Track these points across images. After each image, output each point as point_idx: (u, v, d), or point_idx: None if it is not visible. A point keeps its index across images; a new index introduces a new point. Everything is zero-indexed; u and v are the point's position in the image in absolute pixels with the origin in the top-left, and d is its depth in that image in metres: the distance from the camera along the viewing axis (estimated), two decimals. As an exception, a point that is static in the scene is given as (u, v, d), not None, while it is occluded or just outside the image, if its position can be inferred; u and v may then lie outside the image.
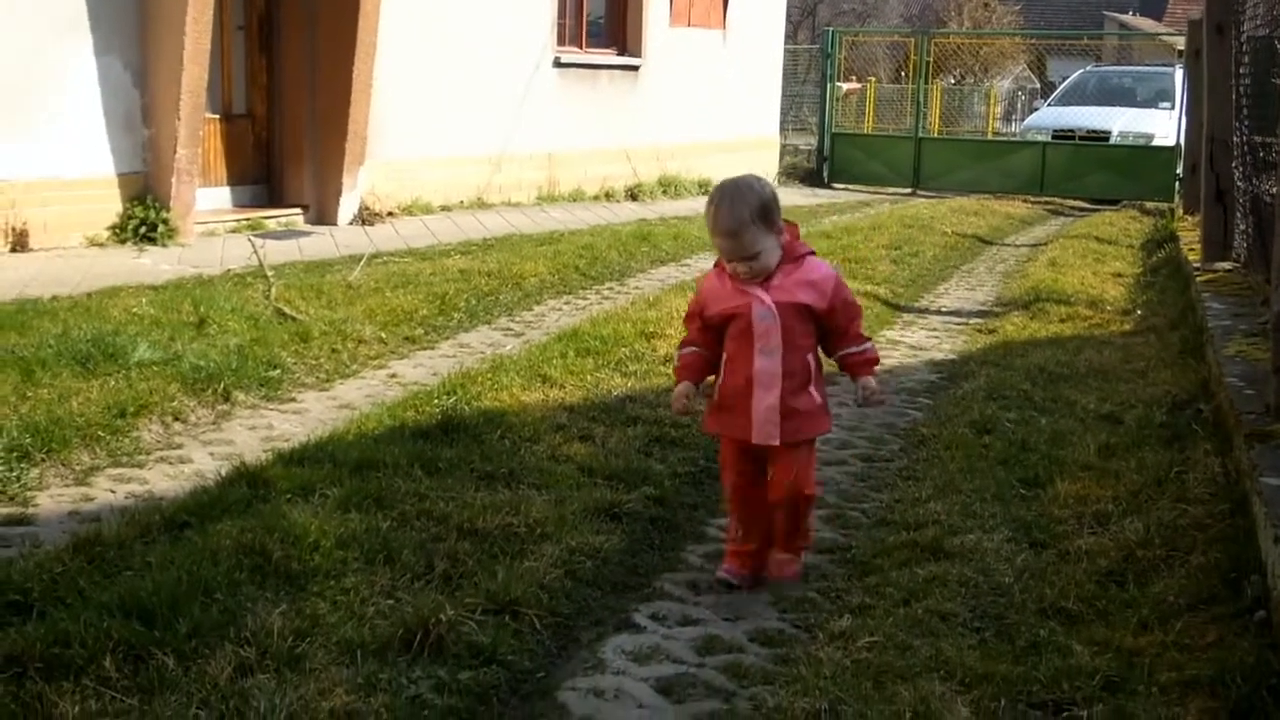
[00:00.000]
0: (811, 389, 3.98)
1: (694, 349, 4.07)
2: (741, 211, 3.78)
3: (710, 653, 3.74)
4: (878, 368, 4.15)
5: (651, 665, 3.63)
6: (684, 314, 4.20)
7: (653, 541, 4.58)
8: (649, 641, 3.77)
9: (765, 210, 3.81)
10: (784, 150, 22.50)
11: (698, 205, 16.27)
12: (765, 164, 20.81)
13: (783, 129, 22.76)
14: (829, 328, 4.00)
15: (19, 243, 9.83)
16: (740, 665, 3.65)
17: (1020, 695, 3.40)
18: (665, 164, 17.83)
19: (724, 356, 4.01)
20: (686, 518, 4.84)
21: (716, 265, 4.02)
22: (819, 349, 4.06)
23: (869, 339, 4.12)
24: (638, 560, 4.40)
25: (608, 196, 16.69)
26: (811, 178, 21.87)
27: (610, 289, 10.01)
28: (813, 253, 3.99)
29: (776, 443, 3.94)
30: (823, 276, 3.96)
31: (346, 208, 12.62)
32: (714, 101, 18.88)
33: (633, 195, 17.03)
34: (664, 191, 17.62)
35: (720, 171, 17.96)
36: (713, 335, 4.02)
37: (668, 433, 5.75)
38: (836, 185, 21.37)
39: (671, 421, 5.89)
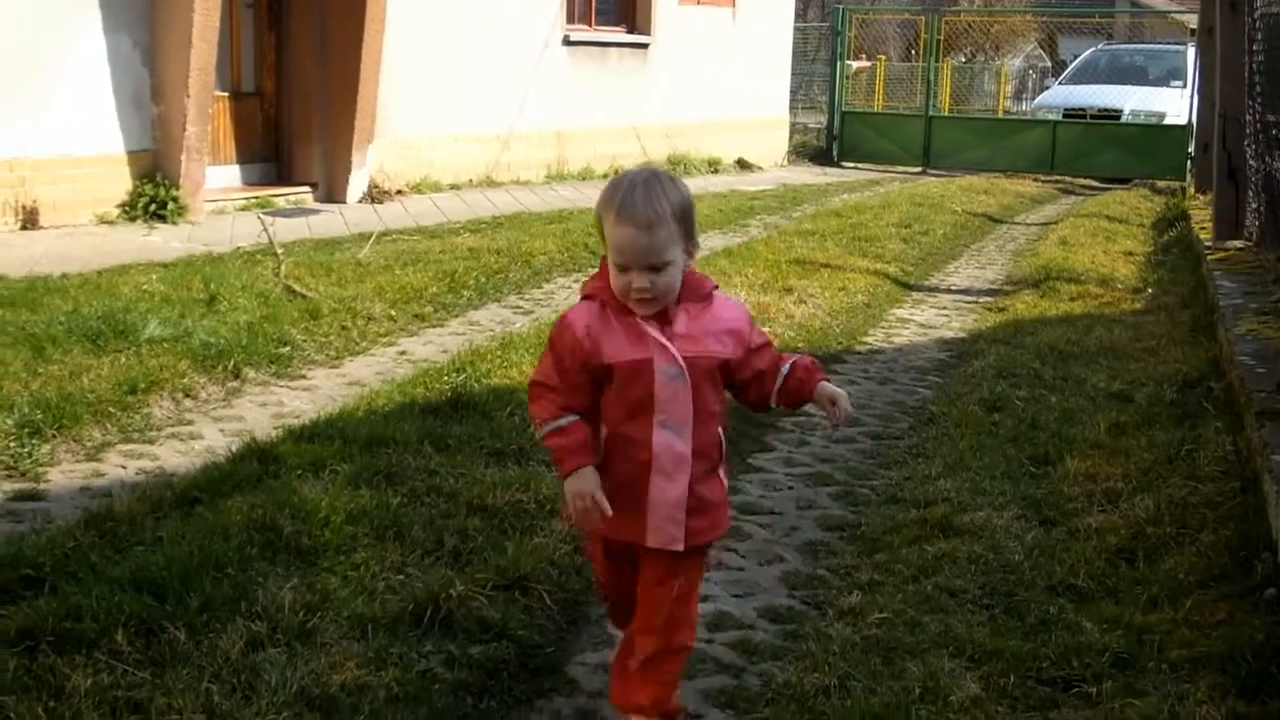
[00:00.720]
0: (721, 473, 3.00)
1: (574, 417, 2.85)
2: (661, 202, 2.76)
3: (720, 629, 3.74)
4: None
5: (661, 641, 3.63)
6: (540, 366, 2.95)
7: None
8: (659, 617, 3.77)
9: (686, 212, 2.81)
10: (793, 129, 22.43)
11: (708, 183, 16.28)
12: (775, 142, 20.77)
13: (792, 107, 22.69)
14: (748, 374, 3.00)
15: (29, 220, 9.83)
16: (750, 641, 3.66)
17: (1030, 671, 3.40)
18: (675, 142, 17.79)
19: (603, 430, 2.91)
20: (696, 495, 4.82)
21: (589, 295, 2.89)
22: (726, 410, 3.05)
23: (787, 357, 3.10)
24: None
25: (617, 174, 16.63)
26: (821, 156, 21.81)
27: (619, 267, 9.98)
28: (717, 287, 2.97)
29: (680, 547, 2.90)
30: (739, 318, 2.97)
31: (356, 186, 12.62)
32: (723, 80, 18.82)
33: (642, 174, 16.98)
34: (674, 170, 17.57)
35: (730, 150, 17.90)
36: (591, 396, 2.89)
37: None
38: (846, 164, 21.30)
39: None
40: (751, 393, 3.04)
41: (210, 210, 11.11)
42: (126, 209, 10.57)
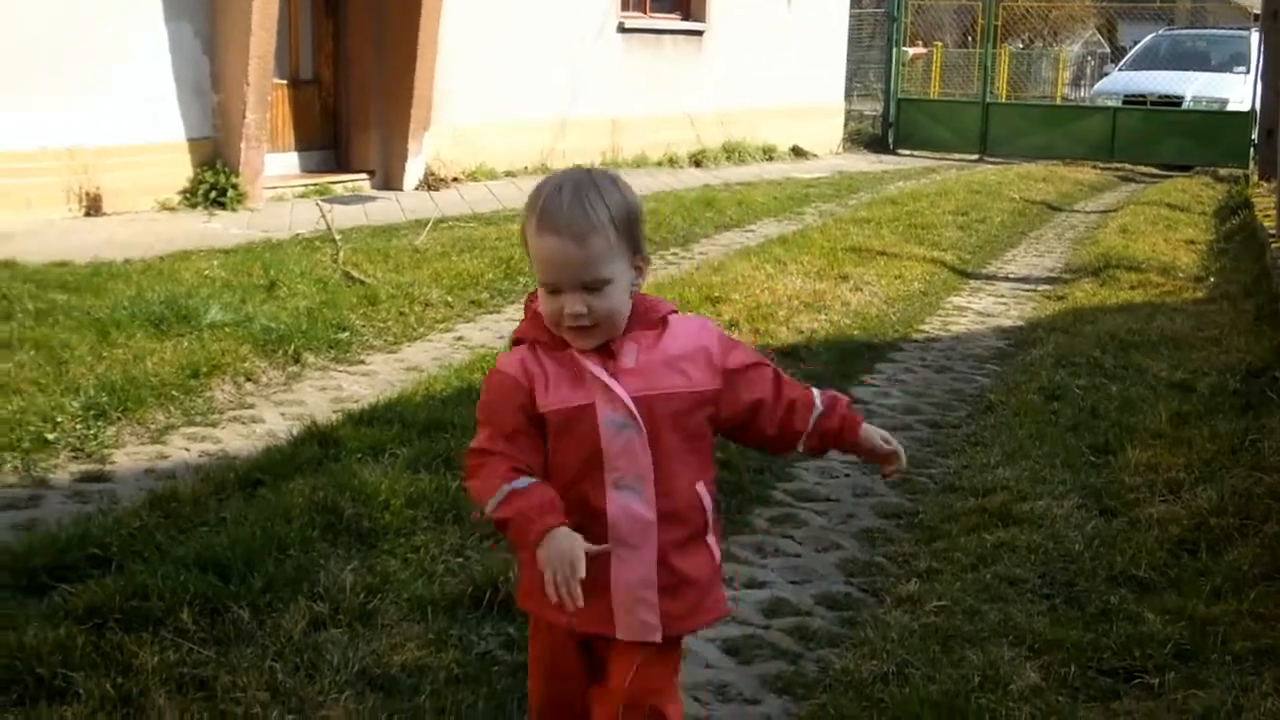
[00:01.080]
0: (709, 540, 2.36)
1: (531, 478, 2.21)
2: (597, 208, 2.19)
3: (777, 615, 3.74)
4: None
5: (718, 626, 3.63)
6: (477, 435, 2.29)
7: (719, 504, 4.56)
8: (716, 603, 3.77)
9: (629, 219, 2.24)
10: (849, 116, 22.29)
11: (763, 171, 16.23)
12: (830, 130, 20.66)
13: (847, 95, 22.54)
14: (743, 406, 2.34)
15: (93, 207, 9.97)
16: (807, 628, 3.66)
17: (1091, 662, 3.38)
18: (729, 130, 17.74)
19: None
20: (752, 481, 4.84)
21: (518, 339, 2.33)
22: (714, 459, 2.41)
23: (810, 389, 2.44)
24: (704, 523, 4.40)
25: (671, 162, 16.64)
26: (876, 144, 21.68)
27: (675, 254, 10.00)
28: (675, 311, 2.35)
29: (658, 637, 2.29)
30: (702, 337, 2.33)
31: (412, 173, 12.68)
32: (778, 67, 18.73)
33: (696, 161, 16.96)
34: (728, 157, 17.54)
35: (785, 137, 17.82)
36: (538, 449, 2.26)
37: (733, 397, 5.73)
38: (902, 151, 21.16)
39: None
40: (764, 428, 2.35)
41: (269, 197, 11.21)
42: (187, 196, 10.69)
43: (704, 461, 2.34)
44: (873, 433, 2.41)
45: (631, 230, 2.23)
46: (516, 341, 2.31)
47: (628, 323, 2.25)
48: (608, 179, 2.25)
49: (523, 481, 2.18)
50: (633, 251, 2.24)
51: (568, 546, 2.11)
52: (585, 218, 2.16)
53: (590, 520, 2.21)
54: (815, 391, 2.42)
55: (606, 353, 2.24)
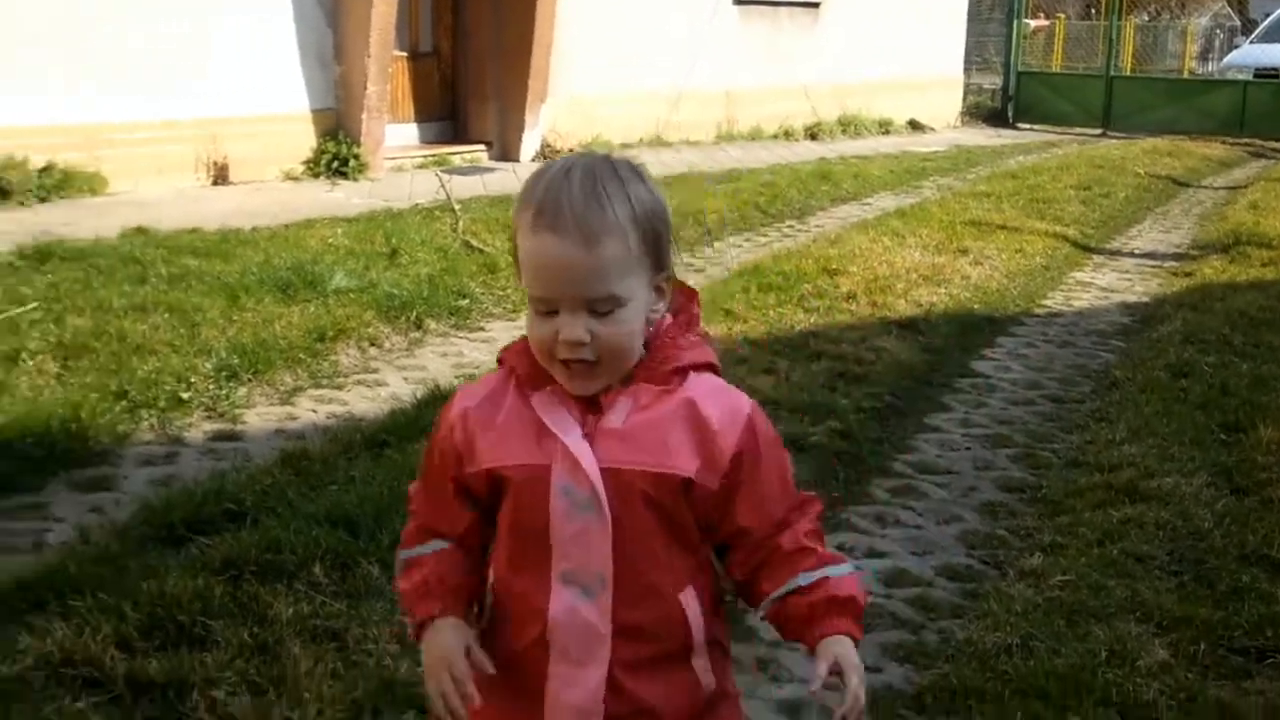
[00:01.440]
0: (696, 663, 1.77)
1: (440, 545, 1.82)
2: (615, 202, 1.64)
3: (897, 585, 3.73)
4: (865, 596, 1.80)
5: (838, 594, 3.63)
6: (424, 456, 1.87)
7: (838, 475, 4.56)
8: (836, 571, 3.77)
9: (657, 224, 1.69)
10: (967, 89, 21.91)
11: (879, 144, 16.06)
12: (948, 103, 20.35)
13: (966, 67, 22.15)
14: (727, 528, 1.75)
15: (220, 176, 10.21)
16: (928, 599, 3.64)
17: (1221, 640, 3.32)
18: (845, 103, 17.56)
19: (490, 575, 1.82)
20: (871, 452, 4.81)
21: (502, 360, 1.79)
22: (716, 565, 1.81)
23: (833, 557, 1.78)
24: (823, 492, 4.39)
25: (786, 135, 16.53)
26: (995, 118, 21.29)
27: (790, 226, 9.95)
28: (713, 366, 1.76)
29: None
30: (725, 416, 1.70)
31: (529, 144, 12.78)
32: (895, 39, 18.48)
33: (812, 134, 16.83)
34: (844, 130, 17.38)
35: (901, 111, 17.58)
36: (474, 515, 1.80)
37: (851, 368, 5.71)
38: (1021, 125, 20.76)
39: (855, 357, 5.86)
40: (732, 565, 1.76)
41: (389, 168, 11.38)
42: (310, 166, 10.89)
43: (697, 563, 1.74)
44: (832, 651, 1.66)
45: (657, 238, 1.68)
46: (500, 362, 1.79)
47: (634, 366, 1.69)
48: (630, 168, 1.70)
49: (422, 549, 1.80)
50: (656, 268, 1.68)
51: (445, 651, 1.70)
52: (599, 213, 1.62)
53: (527, 620, 1.72)
54: (834, 568, 1.74)
55: (590, 402, 1.69)
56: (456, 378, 5.45)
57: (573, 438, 1.68)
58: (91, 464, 4.34)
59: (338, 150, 10.90)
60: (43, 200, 8.69)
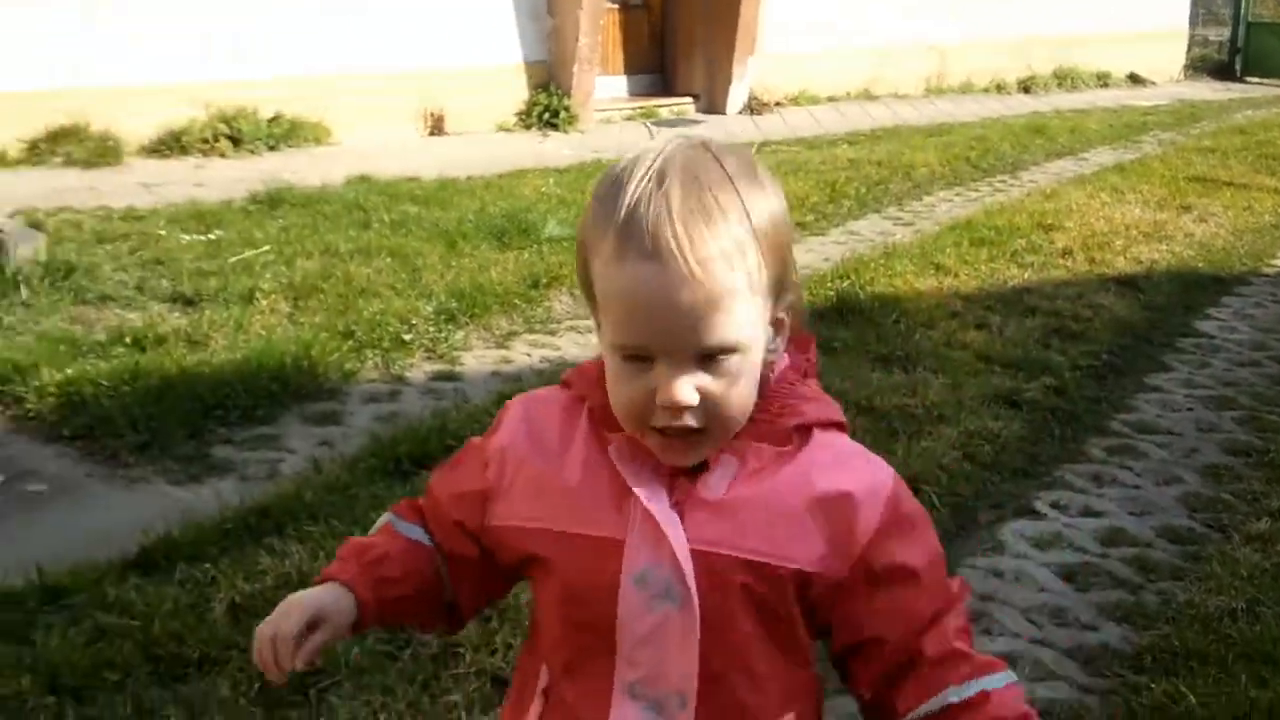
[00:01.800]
0: None
1: (422, 534, 1.46)
2: (730, 216, 1.22)
3: (1114, 545, 3.65)
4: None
5: (1053, 552, 3.58)
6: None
7: (1052, 431, 4.47)
8: (1050, 528, 3.72)
9: (780, 239, 1.28)
10: (1191, 41, 20.93)
11: (1096, 98, 15.51)
12: (1171, 56, 19.48)
13: (1191, 20, 21.16)
14: (864, 636, 1.33)
15: (436, 127, 10.50)
16: (1147, 559, 3.55)
17: None
18: (1060, 55, 16.97)
19: (543, 677, 1.39)
20: (1088, 410, 4.70)
21: (568, 382, 1.40)
22: (813, 672, 1.40)
23: (988, 664, 1.34)
24: (1037, 449, 4.32)
25: (998, 89, 16.08)
26: (1222, 71, 20.29)
27: (1002, 181, 9.71)
28: (841, 425, 1.36)
29: None
30: (860, 484, 1.31)
31: (735, 97, 12.75)
32: (1117, -12, 17.77)
33: (1025, 87, 16.34)
34: (1059, 84, 16.82)
35: (1120, 64, 16.85)
36: (477, 553, 1.42)
37: (1068, 325, 5.58)
38: (1250, 79, 19.74)
39: (1071, 314, 5.72)
40: (858, 678, 1.34)
41: (598, 119, 11.51)
42: (522, 117, 11.11)
43: (804, 681, 1.37)
44: None
45: (781, 257, 1.27)
46: (565, 383, 1.40)
47: (749, 422, 1.30)
48: (741, 162, 1.26)
49: (404, 525, 1.45)
50: (776, 295, 1.28)
51: (304, 601, 1.37)
52: (712, 231, 1.19)
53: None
54: (991, 678, 1.32)
55: (691, 471, 1.29)
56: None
57: (659, 505, 1.28)
58: (321, 399, 4.55)
59: (549, 102, 11.08)
60: (271, 149, 9.09)
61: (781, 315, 1.30)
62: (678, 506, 1.29)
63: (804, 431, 1.32)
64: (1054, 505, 3.89)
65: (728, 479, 1.29)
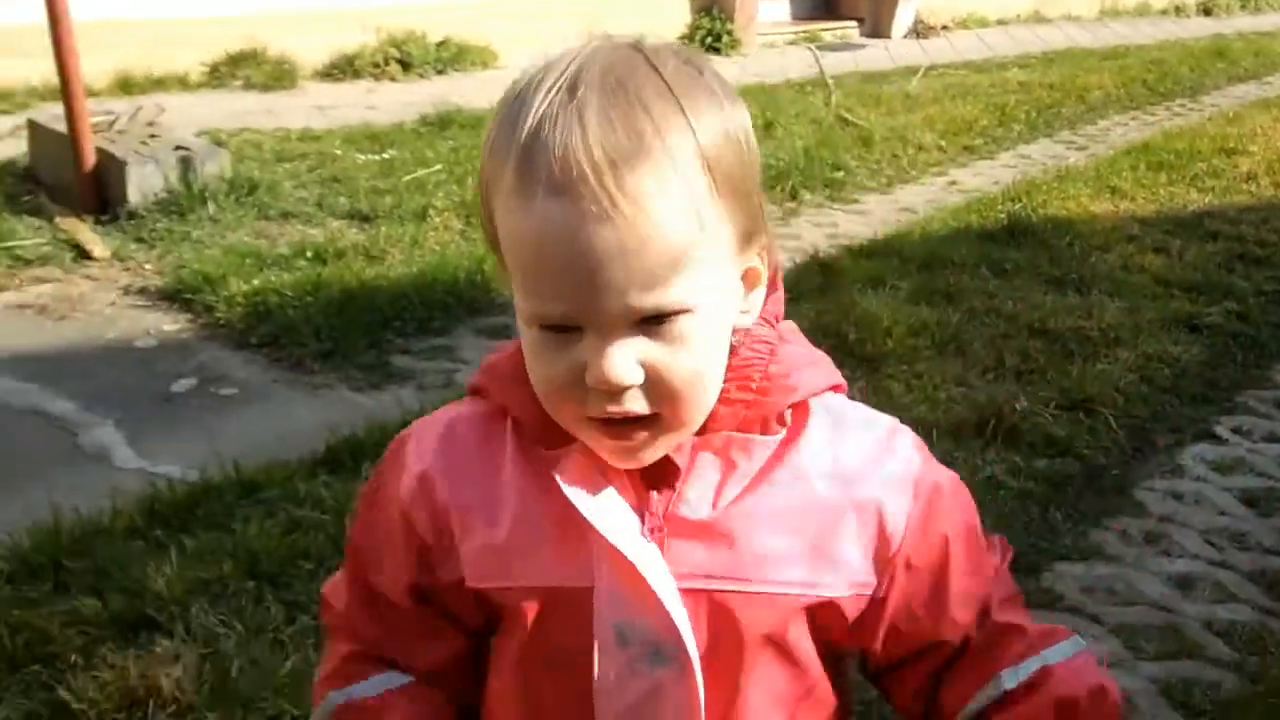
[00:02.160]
0: None
1: (396, 678, 1.11)
2: (669, 135, 0.90)
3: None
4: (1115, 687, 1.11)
5: (1234, 476, 3.50)
6: None
7: (1234, 357, 4.35)
8: (1231, 453, 3.63)
9: (741, 163, 0.95)
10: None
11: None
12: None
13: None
14: (906, 649, 1.09)
15: (599, 51, 10.50)
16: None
17: None
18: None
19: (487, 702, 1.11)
20: (1272, 335, 4.55)
21: (475, 390, 1.09)
22: (845, 683, 1.13)
23: (1048, 633, 1.11)
24: (1218, 373, 4.21)
25: (1177, 11, 15.43)
26: None
27: (1181, 105, 9.35)
28: (838, 386, 1.10)
29: None
30: (887, 474, 1.05)
31: (901, 21, 12.47)
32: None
33: (1206, 10, 15.64)
34: (1242, 6, 16.04)
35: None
36: (458, 639, 1.11)
37: (1251, 250, 5.40)
38: None
39: (1255, 239, 5.53)
40: (901, 695, 1.14)
41: (760, 44, 11.39)
42: (685, 41, 11.04)
43: (829, 700, 1.10)
44: None
45: (744, 186, 0.96)
46: (473, 391, 1.10)
47: (715, 405, 1.00)
48: (683, 64, 0.97)
49: (366, 686, 1.11)
50: (744, 237, 0.97)
51: None
52: (642, 153, 0.89)
53: None
54: (1054, 649, 1.09)
55: (653, 471, 1.01)
56: (831, 247, 5.48)
57: (627, 538, 0.99)
58: (493, 313, 4.65)
59: (712, 26, 11.00)
60: (439, 73, 9.21)
61: (754, 264, 0.99)
62: (655, 535, 1.00)
63: (799, 408, 1.03)
64: (1236, 430, 3.79)
65: (712, 488, 1.01)
